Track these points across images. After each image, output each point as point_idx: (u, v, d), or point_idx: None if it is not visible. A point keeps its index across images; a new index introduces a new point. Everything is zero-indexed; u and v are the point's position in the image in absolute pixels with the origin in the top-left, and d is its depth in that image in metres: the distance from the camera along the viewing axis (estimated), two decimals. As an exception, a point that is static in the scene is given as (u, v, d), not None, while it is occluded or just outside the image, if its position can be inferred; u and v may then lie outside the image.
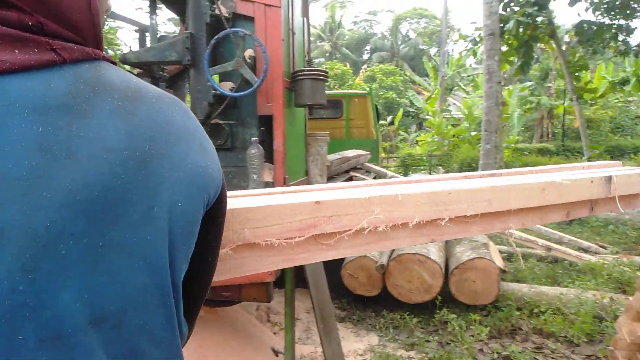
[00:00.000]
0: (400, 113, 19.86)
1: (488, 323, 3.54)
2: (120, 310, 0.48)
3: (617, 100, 20.80)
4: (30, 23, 0.47)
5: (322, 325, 2.66)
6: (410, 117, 25.32)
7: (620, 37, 10.02)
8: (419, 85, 25.31)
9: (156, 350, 0.53)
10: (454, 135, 15.67)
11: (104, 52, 0.54)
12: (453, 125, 17.23)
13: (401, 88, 25.63)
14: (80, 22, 0.52)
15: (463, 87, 22.97)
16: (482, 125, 8.81)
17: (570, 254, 4.66)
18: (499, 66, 8.20)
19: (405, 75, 27.15)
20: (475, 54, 11.91)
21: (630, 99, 20.53)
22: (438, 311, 3.58)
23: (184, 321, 0.61)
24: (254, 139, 2.18)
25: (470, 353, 3.12)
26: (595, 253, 4.95)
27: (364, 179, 4.78)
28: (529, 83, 20.49)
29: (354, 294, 3.91)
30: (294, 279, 2.52)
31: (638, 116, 20.03)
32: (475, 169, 9.59)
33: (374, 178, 5.91)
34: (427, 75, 24.14)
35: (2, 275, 0.42)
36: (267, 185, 2.26)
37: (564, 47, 11.76)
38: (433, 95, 19.34)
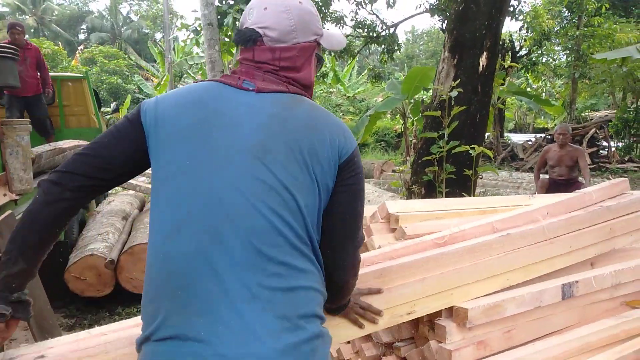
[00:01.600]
0: (128, 100, 18.64)
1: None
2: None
3: (322, 91, 24.58)
4: (284, 80, 1.06)
5: (40, 339, 2.37)
6: (141, 105, 24.07)
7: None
8: (147, 71, 24.22)
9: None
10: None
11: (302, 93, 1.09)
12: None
13: (127, 73, 24.02)
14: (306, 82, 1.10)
15: (192, 74, 23.10)
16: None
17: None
18: (220, 56, 8.59)
19: (131, 59, 25.54)
20: (198, 44, 12.14)
21: (331, 90, 24.53)
22: (175, 295, 3.63)
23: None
24: None
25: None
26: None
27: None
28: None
29: (82, 297, 3.59)
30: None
31: (337, 104, 24.00)
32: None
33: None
34: (155, 61, 23.30)
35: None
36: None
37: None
38: (162, 82, 18.85)
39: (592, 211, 1.97)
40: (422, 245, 1.73)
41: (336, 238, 1.04)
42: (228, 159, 0.95)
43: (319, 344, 0.96)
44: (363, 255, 1.48)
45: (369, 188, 7.75)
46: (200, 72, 21.16)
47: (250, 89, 1.02)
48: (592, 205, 2.03)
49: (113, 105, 8.63)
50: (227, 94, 1.01)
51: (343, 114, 23.97)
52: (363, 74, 23.25)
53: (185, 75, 23.93)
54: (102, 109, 8.60)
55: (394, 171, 8.64)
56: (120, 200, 5.22)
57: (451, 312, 1.61)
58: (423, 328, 1.76)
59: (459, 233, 1.81)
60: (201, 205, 0.93)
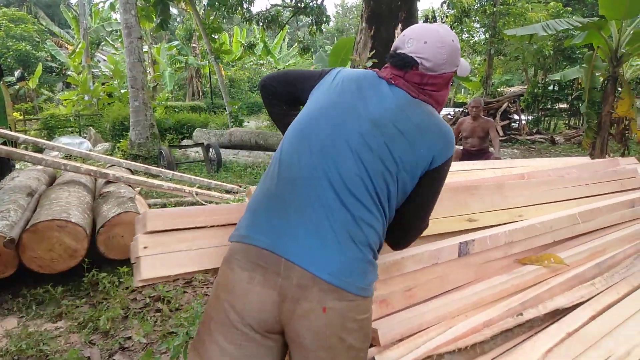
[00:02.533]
0: (39, 69, 17.07)
1: (141, 272, 3.66)
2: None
3: (252, 63, 23.98)
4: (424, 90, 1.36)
5: None
6: (55, 74, 22.20)
7: (245, 5, 11.48)
8: (61, 37, 22.27)
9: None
10: (107, 95, 14.72)
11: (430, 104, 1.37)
12: (103, 83, 16.13)
13: (37, 39, 21.94)
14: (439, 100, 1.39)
15: (111, 42, 21.59)
16: (128, 81, 8.61)
17: (214, 196, 5.26)
18: (137, 21, 8.07)
19: (42, 25, 23.30)
20: (113, 7, 11.31)
21: (261, 62, 24.00)
22: (87, 274, 3.45)
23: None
24: None
25: (122, 304, 3.18)
26: (236, 192, 5.78)
27: (-22, 145, 3.97)
28: (176, 42, 21.11)
29: (-20, 280, 3.30)
30: None
31: (268, 76, 23.66)
32: (128, 128, 9.37)
33: (4, 144, 5.00)
34: (70, 27, 21.48)
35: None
36: None
37: (200, 10, 12.59)
38: (77, 50, 17.42)
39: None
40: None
41: (405, 222, 1.37)
42: (353, 113, 1.26)
43: (370, 270, 1.21)
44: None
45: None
46: (120, 40, 19.87)
47: (392, 82, 1.33)
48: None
49: (17, 73, 7.86)
50: (375, 80, 1.35)
51: (273, 87, 23.64)
52: (294, 46, 22.95)
53: (103, 43, 22.30)
54: (5, 78, 7.80)
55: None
56: (25, 175, 4.81)
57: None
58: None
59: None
60: (323, 132, 1.25)
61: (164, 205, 5.40)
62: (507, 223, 2.08)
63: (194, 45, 21.14)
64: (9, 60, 19.75)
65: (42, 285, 3.36)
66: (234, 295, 1.16)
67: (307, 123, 1.30)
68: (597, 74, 7.95)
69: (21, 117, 12.92)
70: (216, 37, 12.72)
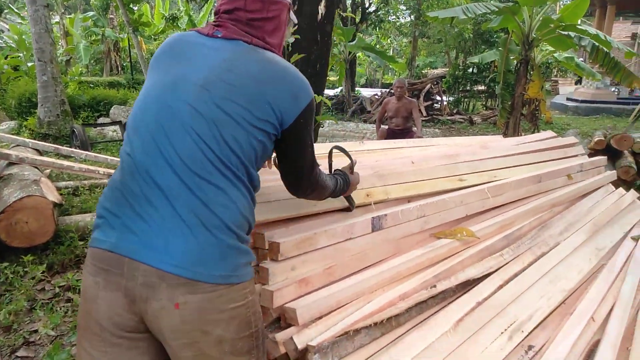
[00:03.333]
0: None
1: (49, 260, 3.39)
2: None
3: (175, 37, 22.83)
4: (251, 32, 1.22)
5: None
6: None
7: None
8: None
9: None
10: (12, 68, 13.37)
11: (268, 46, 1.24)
12: (7, 56, 14.63)
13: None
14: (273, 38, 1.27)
15: (16, 10, 19.62)
16: (34, 54, 7.86)
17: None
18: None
19: None
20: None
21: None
22: (-15, 264, 3.14)
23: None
24: None
25: (27, 295, 2.93)
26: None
27: None
28: (91, 13, 19.60)
29: None
30: None
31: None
32: (36, 105, 8.58)
33: None
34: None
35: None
36: None
37: (116, -23, 11.69)
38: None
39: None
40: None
41: (290, 176, 1.33)
42: (176, 86, 1.14)
43: (232, 254, 1.09)
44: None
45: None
46: (25, 8, 18.07)
47: (219, 36, 1.20)
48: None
49: None
50: (196, 39, 1.22)
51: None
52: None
53: (6, 11, 20.17)
54: None
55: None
56: None
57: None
58: (250, 273, 1.76)
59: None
60: (151, 118, 1.13)
61: (76, 189, 5.03)
62: (487, 182, 2.35)
63: (111, 16, 19.71)
64: None
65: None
66: (87, 302, 1.11)
67: (136, 114, 1.18)
68: (511, 57, 8.43)
69: None
70: (135, 8, 11.93)
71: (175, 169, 1.07)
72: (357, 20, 14.42)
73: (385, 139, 5.54)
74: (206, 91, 1.12)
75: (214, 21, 1.25)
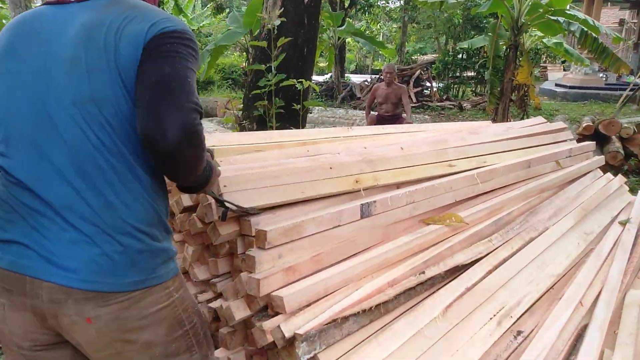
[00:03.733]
0: None
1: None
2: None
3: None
4: None
5: None
6: None
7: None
8: None
9: None
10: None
11: None
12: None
13: None
14: None
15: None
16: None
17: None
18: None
19: None
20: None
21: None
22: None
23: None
24: None
25: None
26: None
27: None
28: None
29: None
30: None
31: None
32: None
33: None
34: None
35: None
36: None
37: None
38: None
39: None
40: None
41: (143, 101, 0.93)
42: (43, 74, 0.96)
43: (142, 259, 0.98)
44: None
45: (211, 126, 7.45)
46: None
47: (72, 0, 1.01)
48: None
49: None
50: (47, 11, 1.02)
51: (186, 50, 22.36)
52: (209, 5, 21.77)
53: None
54: None
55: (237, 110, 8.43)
56: None
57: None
58: (237, 261, 1.73)
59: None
60: (21, 121, 0.97)
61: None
62: (476, 168, 2.34)
63: None
64: None
65: None
66: None
67: (4, 115, 1.00)
68: (500, 43, 8.40)
69: None
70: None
71: (63, 176, 0.94)
72: (346, 4, 14.27)
73: (375, 124, 5.51)
74: (75, 70, 0.94)
75: None
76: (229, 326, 1.71)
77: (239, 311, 1.63)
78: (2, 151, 0.99)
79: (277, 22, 3.11)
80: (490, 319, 1.67)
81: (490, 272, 1.91)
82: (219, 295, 1.84)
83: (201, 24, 22.16)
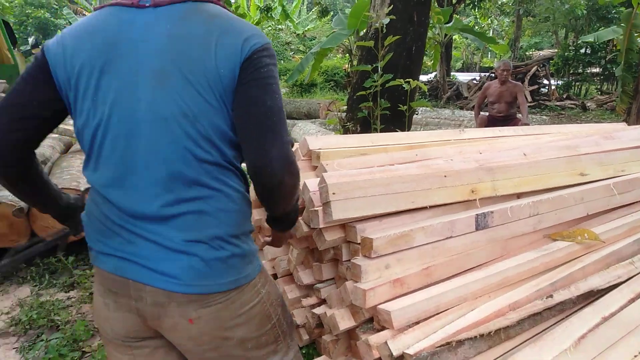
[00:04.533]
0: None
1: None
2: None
3: (270, 28, 23.50)
4: None
5: None
6: (74, 42, 22.25)
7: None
8: (78, 4, 22.16)
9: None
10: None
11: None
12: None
13: (55, 6, 21.90)
14: None
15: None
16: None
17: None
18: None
19: (58, -9, 23.18)
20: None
21: (280, 26, 23.48)
22: (99, 243, 3.41)
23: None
24: None
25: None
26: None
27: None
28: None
29: (-5, 248, 3.29)
30: None
31: (287, 42, 23.16)
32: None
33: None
34: (86, -7, 21.33)
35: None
36: None
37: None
38: (93, 16, 17.31)
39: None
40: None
41: (251, 135, 0.96)
42: (131, 88, 0.94)
43: (235, 263, 1.01)
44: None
45: (314, 128, 7.56)
46: None
47: (147, 4, 0.96)
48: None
49: (32, 40, 7.75)
50: (123, 16, 0.97)
51: (293, 53, 23.18)
52: (314, 9, 22.31)
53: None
54: (22, 48, 7.74)
55: (340, 111, 8.47)
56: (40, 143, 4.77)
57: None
58: (342, 268, 1.68)
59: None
60: (112, 137, 0.96)
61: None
62: (612, 177, 2.07)
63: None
64: (29, 28, 19.79)
65: (55, 255, 3.34)
66: (102, 321, 1.10)
67: (94, 134, 0.97)
68: (635, 34, 7.43)
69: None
70: (232, 0, 12.39)
71: (154, 190, 0.95)
72: (454, 0, 13.67)
73: (486, 126, 5.16)
74: (164, 85, 0.93)
75: None
76: (333, 334, 1.66)
77: (344, 321, 1.57)
78: (93, 166, 0.99)
79: (386, 20, 3.01)
80: (635, 356, 1.42)
81: (632, 300, 1.63)
82: (322, 301, 1.81)
83: (306, 28, 22.79)
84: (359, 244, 1.55)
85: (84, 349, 2.38)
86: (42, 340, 2.42)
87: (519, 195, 1.92)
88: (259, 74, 0.95)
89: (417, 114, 7.81)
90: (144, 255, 0.97)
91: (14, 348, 2.44)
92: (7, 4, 19.54)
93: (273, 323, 1.12)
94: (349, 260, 1.59)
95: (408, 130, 3.45)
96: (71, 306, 2.83)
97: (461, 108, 11.05)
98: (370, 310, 1.47)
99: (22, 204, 3.17)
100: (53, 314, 2.68)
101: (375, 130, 3.37)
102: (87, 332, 2.48)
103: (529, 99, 10.98)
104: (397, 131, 3.10)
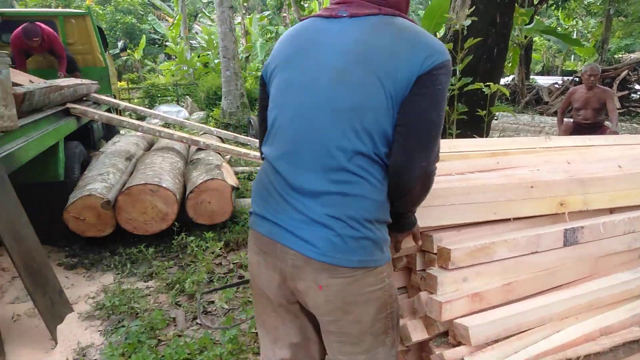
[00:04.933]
0: (143, 40, 18.24)
1: (226, 238, 3.74)
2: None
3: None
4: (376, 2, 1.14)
5: (29, 279, 2.34)
6: (157, 46, 23.64)
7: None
8: (162, 10, 23.56)
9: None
10: (203, 65, 15.37)
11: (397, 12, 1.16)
12: (199, 55, 16.85)
13: (141, 12, 23.41)
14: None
15: (207, 13, 22.41)
16: (220, 51, 8.82)
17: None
18: (230, -12, 8.14)
19: (145, -2, 24.77)
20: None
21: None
22: (176, 237, 3.59)
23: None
24: None
25: (207, 268, 3.26)
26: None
27: (84, 110, 4.25)
28: (267, 12, 21.35)
29: (84, 237, 3.57)
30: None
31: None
32: (220, 97, 9.68)
33: (107, 111, 5.34)
34: (170, 0, 22.62)
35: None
36: None
37: (291, -24, 12.46)
38: (175, 22, 18.30)
39: None
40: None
41: (405, 140, 1.10)
42: (313, 81, 1.13)
43: (367, 245, 1.13)
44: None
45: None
46: (214, 11, 20.46)
47: (344, 15, 1.14)
48: None
49: (120, 44, 8.35)
50: (320, 25, 1.18)
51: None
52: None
53: (200, 15, 23.22)
54: (111, 51, 8.35)
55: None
56: (126, 141, 5.13)
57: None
58: (415, 277, 1.63)
59: None
60: (288, 119, 1.17)
61: (250, 174, 5.49)
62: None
63: (284, 14, 21.22)
64: (118, 33, 21.30)
65: (136, 246, 3.56)
66: (254, 277, 1.30)
67: (276, 116, 1.22)
68: None
69: (126, 86, 13.93)
70: (305, 5, 12.59)
71: (312, 168, 1.13)
72: (536, 1, 12.96)
73: (570, 134, 4.83)
74: (342, 82, 1.11)
75: (335, 0, 1.20)
76: (404, 345, 1.62)
77: (416, 333, 1.52)
78: (270, 142, 1.22)
79: (467, 22, 2.90)
80: None
81: None
82: (393, 310, 1.77)
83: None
84: (435, 254, 1.50)
85: (159, 337, 2.51)
86: (123, 326, 2.58)
87: (612, 211, 1.77)
88: (431, 90, 1.08)
89: (497, 119, 7.47)
90: (292, 223, 1.14)
91: (98, 331, 2.63)
92: (101, 12, 21.21)
93: (387, 313, 1.20)
94: (423, 270, 1.55)
95: (486, 137, 3.30)
96: (149, 295, 3.00)
97: (541, 113, 10.45)
98: (446, 323, 1.42)
99: (110, 196, 3.40)
100: (133, 302, 2.85)
101: (451, 136, 3.26)
102: (163, 321, 2.61)
103: (618, 105, 10.16)
104: (474, 137, 2.97)
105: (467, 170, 1.85)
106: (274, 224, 1.17)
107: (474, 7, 3.23)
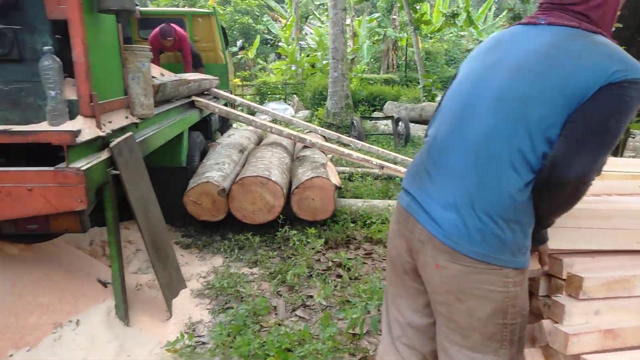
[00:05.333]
0: (257, 40, 19.25)
1: (326, 236, 3.82)
2: None
3: (451, 34, 22.89)
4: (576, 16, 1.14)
5: (154, 253, 2.58)
6: (269, 45, 24.80)
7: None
8: (276, 11, 24.66)
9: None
10: (311, 65, 15.85)
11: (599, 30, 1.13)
12: (308, 55, 17.37)
13: (257, 13, 24.72)
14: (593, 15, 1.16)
15: (318, 15, 23.00)
16: (329, 53, 9.00)
17: (400, 171, 5.17)
18: (344, -9, 8.26)
19: (262, -1, 26.13)
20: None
21: (462, 33, 22.70)
22: (280, 229, 3.74)
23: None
24: (46, 48, 1.87)
25: (307, 263, 3.36)
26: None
27: (207, 104, 4.59)
28: (377, 14, 21.36)
29: (199, 220, 3.86)
30: (115, 206, 2.36)
31: (468, 50, 22.24)
32: (326, 97, 9.89)
33: (225, 105, 5.73)
34: (284, 1, 23.58)
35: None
36: (71, 103, 1.99)
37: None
38: (288, 23, 19.04)
39: None
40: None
41: (573, 140, 1.06)
42: (488, 72, 1.20)
43: (494, 243, 1.12)
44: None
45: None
46: (325, 13, 20.90)
47: (542, 22, 1.18)
48: None
49: (239, 43, 8.95)
50: (519, 30, 1.24)
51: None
52: (501, 16, 21.01)
53: (311, 16, 23.92)
54: (230, 48, 8.93)
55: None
56: (239, 134, 5.45)
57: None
58: (536, 302, 1.53)
59: None
60: (453, 104, 1.27)
61: (351, 175, 5.54)
62: None
63: (394, 17, 21.05)
64: (235, 32, 22.70)
65: (244, 233, 3.77)
66: (390, 241, 1.41)
67: (445, 101, 1.33)
68: None
69: (240, 83, 14.82)
70: (418, 7, 12.38)
71: (465, 151, 1.17)
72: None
73: None
74: (518, 74, 1.13)
75: (537, 11, 1.24)
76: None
77: (534, 361, 1.43)
78: (431, 124, 1.34)
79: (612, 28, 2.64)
80: None
81: None
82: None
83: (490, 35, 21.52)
84: (564, 280, 1.39)
85: (261, 323, 2.63)
86: (230, 307, 2.75)
87: None
88: (619, 98, 1.04)
89: (634, 137, 6.72)
90: (427, 201, 1.22)
91: (207, 309, 2.82)
92: (221, 12, 22.77)
93: (505, 323, 1.17)
94: (548, 296, 1.44)
95: (621, 156, 2.99)
96: (253, 281, 3.16)
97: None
98: (571, 357, 1.31)
99: (225, 185, 3.64)
100: (239, 286, 3.02)
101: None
102: (266, 308, 2.73)
103: None
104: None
105: (604, 192, 1.69)
106: (413, 198, 1.28)
107: (619, 13, 2.92)
